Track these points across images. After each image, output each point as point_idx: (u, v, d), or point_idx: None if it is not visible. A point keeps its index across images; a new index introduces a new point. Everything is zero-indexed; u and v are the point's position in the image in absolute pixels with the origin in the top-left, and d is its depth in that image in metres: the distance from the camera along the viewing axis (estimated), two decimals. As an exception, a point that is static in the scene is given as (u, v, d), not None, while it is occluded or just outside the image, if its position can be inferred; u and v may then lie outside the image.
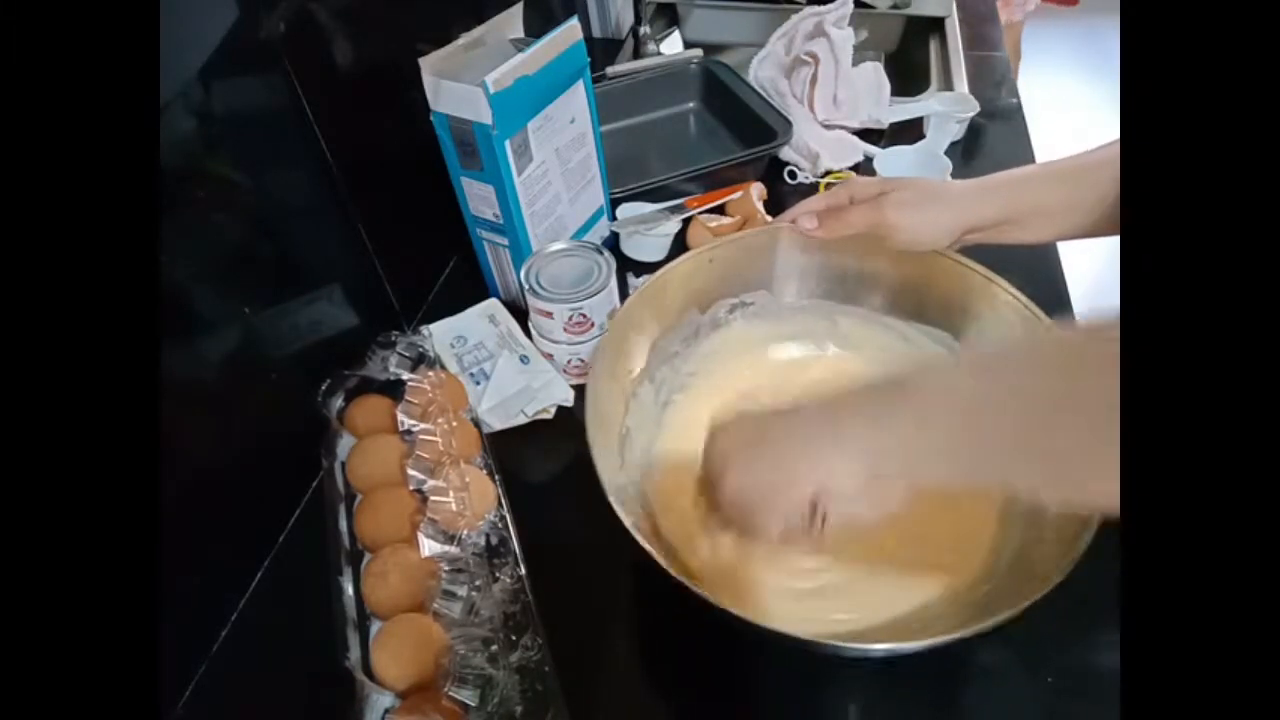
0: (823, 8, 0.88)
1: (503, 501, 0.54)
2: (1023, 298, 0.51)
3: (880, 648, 0.42)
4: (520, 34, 0.65)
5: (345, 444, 0.58)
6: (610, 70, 0.99)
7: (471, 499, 0.51)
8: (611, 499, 0.43)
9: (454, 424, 0.55)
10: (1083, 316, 0.64)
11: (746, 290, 0.60)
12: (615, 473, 0.49)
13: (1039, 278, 0.70)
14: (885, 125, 0.90)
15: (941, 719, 0.46)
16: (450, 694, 0.42)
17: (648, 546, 0.41)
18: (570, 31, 0.62)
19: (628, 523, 0.42)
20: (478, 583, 0.48)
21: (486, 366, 0.64)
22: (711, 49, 1.03)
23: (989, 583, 0.46)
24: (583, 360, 0.63)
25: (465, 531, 0.50)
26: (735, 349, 0.60)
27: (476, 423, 0.60)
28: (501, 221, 0.64)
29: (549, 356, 0.64)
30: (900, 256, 0.55)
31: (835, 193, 0.55)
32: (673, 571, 0.40)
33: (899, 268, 0.56)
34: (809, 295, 0.60)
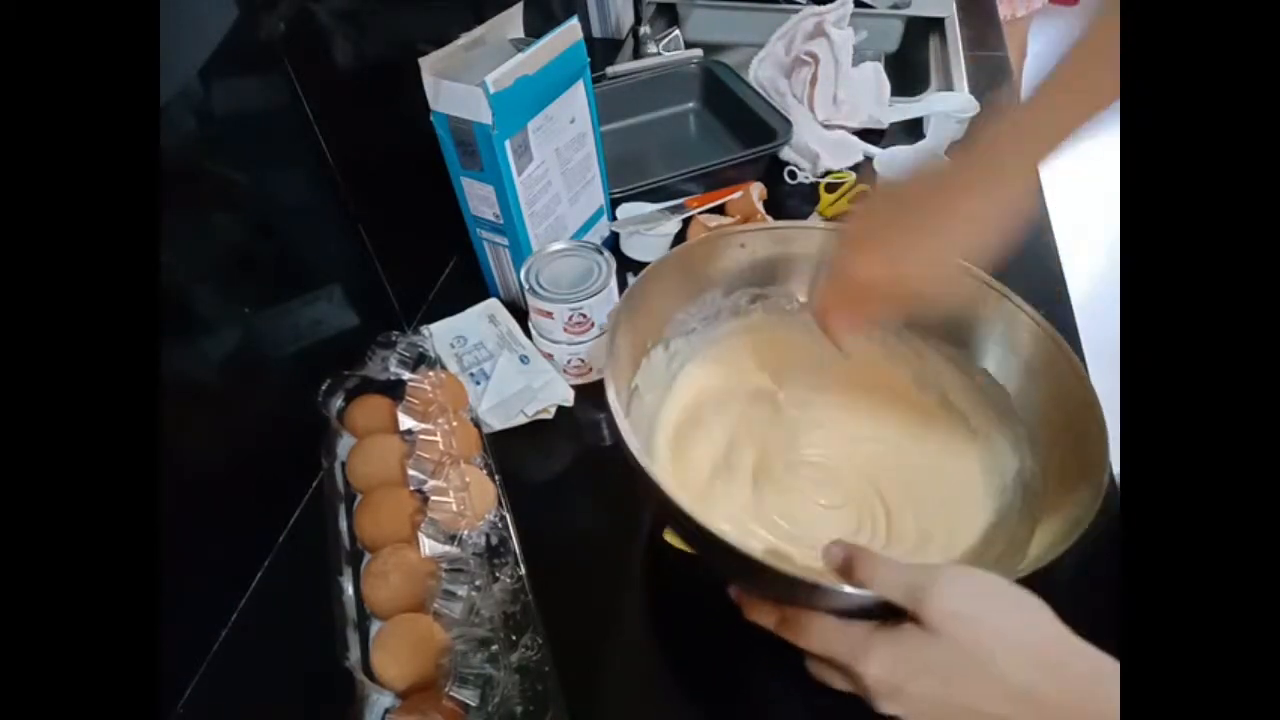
0: (823, 8, 0.88)
1: (503, 501, 0.54)
2: (1038, 316, 0.50)
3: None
4: (520, 34, 0.65)
5: (345, 444, 0.58)
6: (610, 70, 0.99)
7: (471, 499, 0.51)
8: (625, 434, 0.41)
9: (454, 424, 0.55)
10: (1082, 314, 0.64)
11: (769, 283, 0.59)
12: (623, 419, 0.47)
13: (1039, 277, 0.70)
14: (885, 125, 0.90)
15: None
16: (450, 694, 0.42)
17: (655, 476, 0.39)
18: (570, 31, 0.62)
19: (644, 463, 0.40)
20: (478, 583, 0.48)
21: (486, 366, 0.64)
22: (711, 49, 1.03)
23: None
24: (582, 360, 0.63)
25: (465, 531, 0.50)
26: (751, 338, 0.60)
27: (476, 423, 0.60)
28: (501, 221, 0.64)
29: (549, 356, 0.64)
30: None
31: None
32: (684, 508, 0.38)
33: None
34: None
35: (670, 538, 0.53)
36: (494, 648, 0.44)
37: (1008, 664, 0.31)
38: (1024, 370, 0.51)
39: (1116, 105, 0.36)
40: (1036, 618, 0.33)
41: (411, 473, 0.52)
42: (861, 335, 0.48)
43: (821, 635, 0.36)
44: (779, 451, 0.54)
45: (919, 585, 0.33)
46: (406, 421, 0.56)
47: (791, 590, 0.37)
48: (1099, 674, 0.31)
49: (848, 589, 0.35)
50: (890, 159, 0.81)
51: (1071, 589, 0.35)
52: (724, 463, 0.53)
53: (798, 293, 0.59)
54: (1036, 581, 0.36)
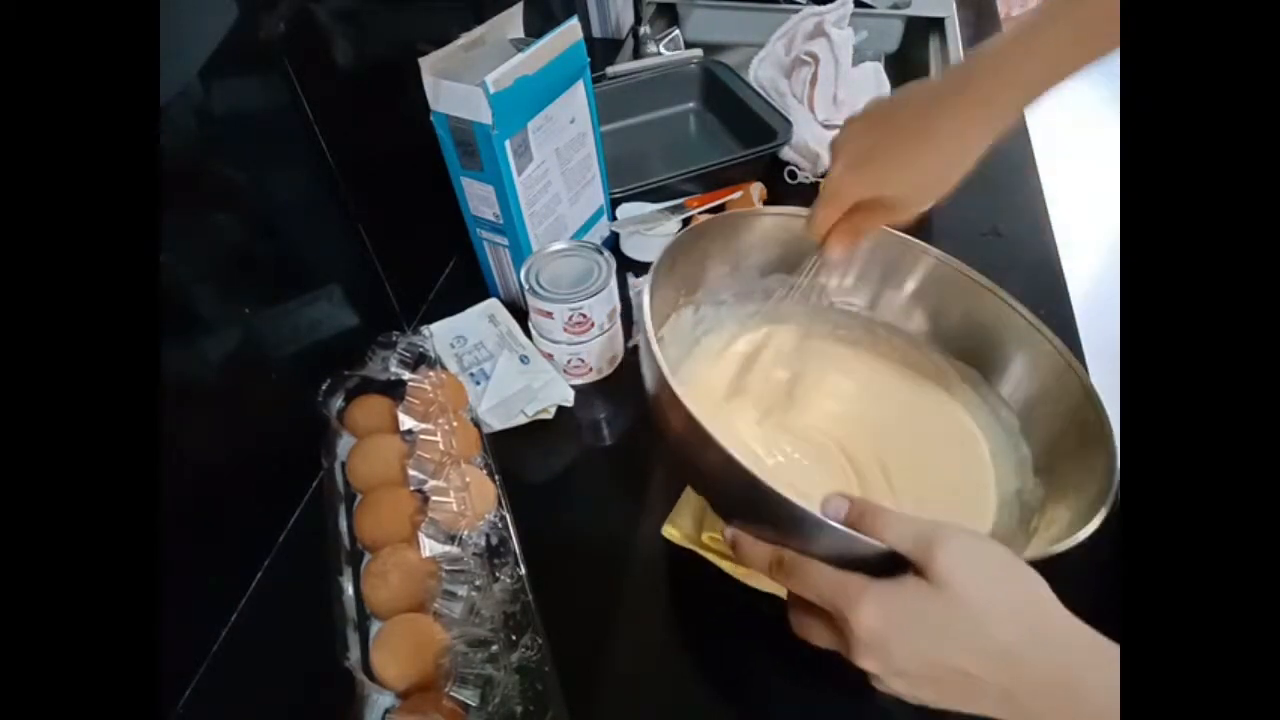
0: (823, 8, 0.88)
1: (503, 501, 0.54)
2: (1064, 350, 0.50)
3: None
4: (520, 34, 0.65)
5: (345, 444, 0.58)
6: (610, 70, 0.99)
7: (471, 499, 0.51)
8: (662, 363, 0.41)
9: (454, 424, 0.55)
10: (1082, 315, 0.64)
11: (802, 270, 0.57)
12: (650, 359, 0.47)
13: (1039, 278, 0.70)
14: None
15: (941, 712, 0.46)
16: (450, 694, 0.42)
17: (675, 386, 0.38)
18: (570, 31, 0.62)
19: (679, 392, 0.39)
20: (478, 583, 0.48)
21: (486, 366, 0.64)
22: (711, 49, 1.03)
23: None
24: (582, 360, 0.63)
25: (465, 531, 0.50)
26: (777, 326, 0.59)
27: (476, 423, 0.60)
28: (501, 221, 0.64)
29: (549, 356, 0.64)
30: (943, 288, 0.54)
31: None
32: (699, 420, 0.37)
33: (942, 294, 0.56)
34: (853, 291, 0.59)
35: (670, 533, 0.53)
36: (494, 648, 0.44)
37: (1000, 627, 0.31)
38: (1037, 395, 0.51)
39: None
40: (1035, 589, 0.32)
41: (411, 473, 0.52)
42: (854, 248, 0.50)
43: (817, 580, 0.35)
44: (787, 439, 0.54)
45: (929, 537, 0.32)
46: (406, 421, 0.56)
47: (797, 528, 0.36)
48: (1088, 652, 0.31)
49: (856, 533, 0.34)
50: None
51: (1072, 584, 0.35)
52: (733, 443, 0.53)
53: (829, 285, 0.59)
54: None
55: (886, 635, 0.32)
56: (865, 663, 0.33)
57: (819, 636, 0.36)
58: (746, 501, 0.38)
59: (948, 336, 0.56)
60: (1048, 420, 0.50)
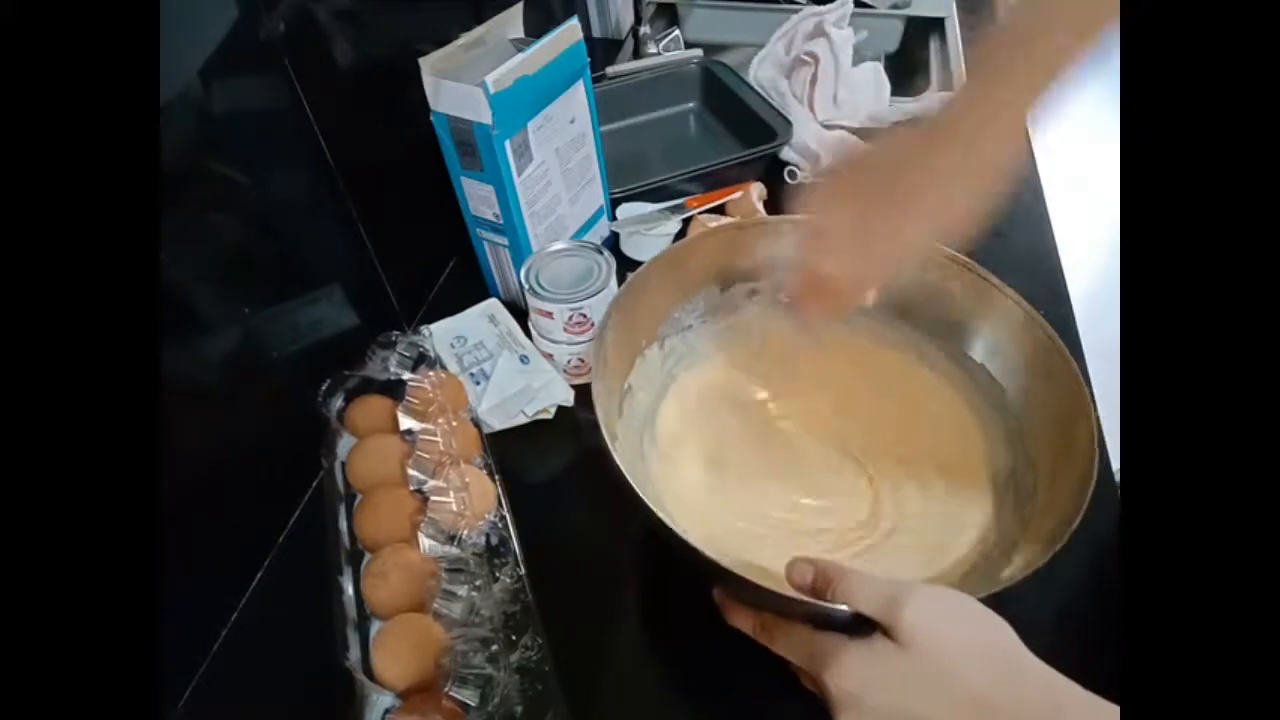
0: (823, 8, 0.88)
1: (503, 501, 0.54)
2: (1035, 314, 0.49)
3: None
4: (520, 34, 0.65)
5: (345, 444, 0.58)
6: (610, 70, 0.99)
7: (471, 499, 0.51)
8: (609, 441, 0.43)
9: (454, 424, 0.55)
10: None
11: (764, 277, 0.58)
12: (614, 422, 0.49)
13: (1039, 276, 0.70)
14: (885, 125, 0.90)
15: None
16: (450, 694, 0.42)
17: (639, 491, 0.41)
18: (570, 31, 0.62)
19: (621, 464, 0.42)
20: (478, 583, 0.48)
21: (486, 366, 0.64)
22: (711, 49, 1.03)
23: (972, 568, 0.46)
24: (582, 360, 0.63)
25: (465, 531, 0.50)
26: (747, 333, 0.59)
27: (476, 423, 0.60)
28: (501, 221, 0.64)
29: (549, 356, 0.64)
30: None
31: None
32: (661, 517, 0.40)
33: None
34: None
35: None
36: (494, 648, 0.44)
37: (968, 678, 0.32)
38: (1019, 367, 0.51)
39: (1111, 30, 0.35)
40: (999, 637, 0.34)
41: (411, 473, 0.52)
42: (834, 323, 0.48)
43: (793, 643, 0.38)
44: (773, 447, 0.54)
45: (893, 598, 0.34)
46: (406, 421, 0.56)
47: (767, 600, 0.39)
48: (1052, 695, 0.32)
49: (820, 603, 0.36)
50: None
51: (1070, 588, 0.35)
52: (719, 460, 0.53)
53: (789, 283, 0.59)
54: (1025, 585, 0.37)
55: (859, 694, 0.34)
56: (842, 719, 0.34)
57: (809, 685, 0.38)
58: (723, 581, 0.41)
59: (920, 312, 0.56)
60: (1028, 390, 0.50)
